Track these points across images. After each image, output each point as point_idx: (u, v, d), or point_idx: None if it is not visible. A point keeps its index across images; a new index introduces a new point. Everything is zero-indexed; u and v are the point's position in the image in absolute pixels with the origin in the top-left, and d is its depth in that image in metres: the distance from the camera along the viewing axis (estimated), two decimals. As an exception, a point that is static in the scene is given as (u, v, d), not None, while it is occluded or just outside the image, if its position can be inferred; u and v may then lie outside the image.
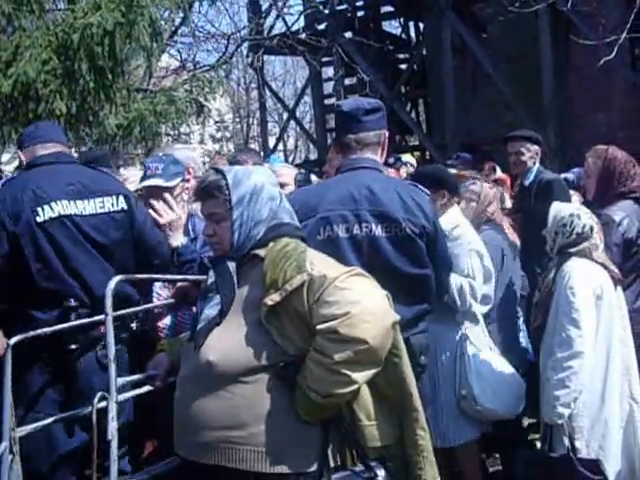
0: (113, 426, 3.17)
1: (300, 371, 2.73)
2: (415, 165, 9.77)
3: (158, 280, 4.20)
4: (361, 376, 2.69)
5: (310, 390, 2.69)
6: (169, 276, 4.07)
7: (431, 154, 16.53)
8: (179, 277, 4.06)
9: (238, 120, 32.51)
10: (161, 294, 4.30)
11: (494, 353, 4.77)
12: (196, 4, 10.45)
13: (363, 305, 2.64)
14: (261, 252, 2.85)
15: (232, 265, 2.88)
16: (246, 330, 2.76)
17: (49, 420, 3.57)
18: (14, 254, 3.77)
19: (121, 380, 3.42)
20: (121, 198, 3.99)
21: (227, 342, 2.77)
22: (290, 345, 2.74)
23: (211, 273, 2.96)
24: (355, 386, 2.70)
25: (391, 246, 3.50)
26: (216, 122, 29.13)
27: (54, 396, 3.81)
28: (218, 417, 2.74)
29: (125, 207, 3.99)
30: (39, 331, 3.53)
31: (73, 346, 3.73)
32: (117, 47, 7.62)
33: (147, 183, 4.36)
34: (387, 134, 3.78)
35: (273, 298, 2.72)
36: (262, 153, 20.40)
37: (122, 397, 3.46)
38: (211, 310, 2.86)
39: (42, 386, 3.78)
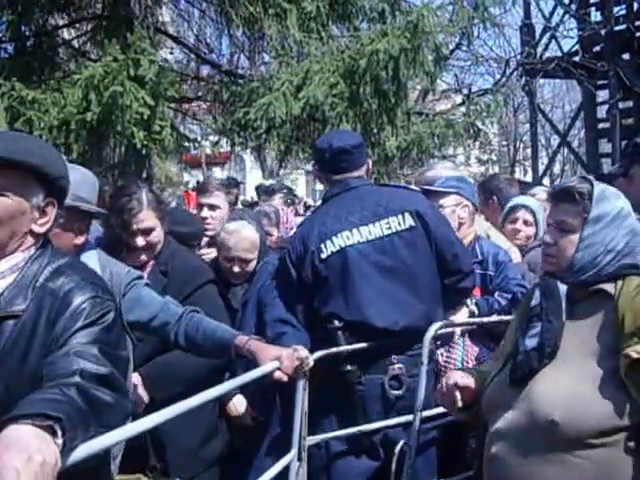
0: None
1: None
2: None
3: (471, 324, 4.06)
4: None
5: None
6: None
7: None
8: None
9: (505, 143, 32.21)
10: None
11: None
12: (474, 28, 10.42)
13: None
14: (609, 288, 2.48)
15: (563, 288, 2.55)
16: (596, 382, 2.35)
17: (338, 432, 3.68)
18: (300, 296, 3.84)
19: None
20: (407, 215, 3.78)
21: (570, 394, 2.36)
22: None
23: (537, 293, 2.61)
24: None
25: None
26: (482, 144, 28.97)
27: (338, 416, 3.76)
28: None
29: (413, 224, 3.78)
30: (341, 348, 3.64)
31: (349, 367, 3.66)
32: (401, 72, 7.81)
33: None
34: None
35: (638, 350, 2.28)
36: (531, 178, 20.17)
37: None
38: (531, 340, 2.51)
39: (327, 405, 3.74)
